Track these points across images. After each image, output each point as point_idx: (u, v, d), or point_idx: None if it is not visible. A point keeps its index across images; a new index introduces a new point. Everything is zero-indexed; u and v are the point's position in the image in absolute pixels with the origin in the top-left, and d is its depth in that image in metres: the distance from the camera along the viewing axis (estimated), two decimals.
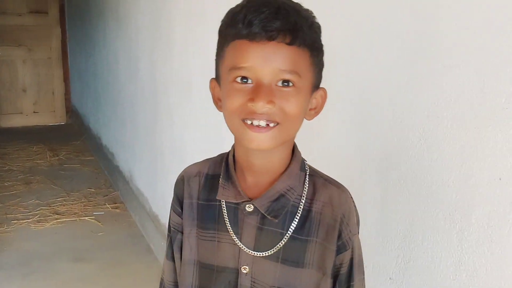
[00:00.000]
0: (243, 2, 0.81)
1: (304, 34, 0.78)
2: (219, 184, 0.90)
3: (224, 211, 0.90)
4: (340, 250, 0.88)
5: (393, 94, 1.14)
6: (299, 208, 0.87)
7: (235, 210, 0.89)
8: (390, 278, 1.19)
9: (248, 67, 0.78)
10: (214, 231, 0.91)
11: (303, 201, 0.88)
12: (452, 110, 0.99)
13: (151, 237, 3.20)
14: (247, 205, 0.87)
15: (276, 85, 0.78)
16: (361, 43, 1.23)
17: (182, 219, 0.95)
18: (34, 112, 6.70)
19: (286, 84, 0.79)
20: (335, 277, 0.89)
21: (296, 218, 0.87)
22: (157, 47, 2.91)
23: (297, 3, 0.82)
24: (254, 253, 0.88)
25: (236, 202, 0.88)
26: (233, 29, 0.79)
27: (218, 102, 0.89)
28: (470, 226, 0.97)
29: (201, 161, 0.99)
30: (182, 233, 0.95)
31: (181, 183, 0.96)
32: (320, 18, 0.84)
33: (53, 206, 3.86)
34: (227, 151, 0.95)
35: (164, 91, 2.86)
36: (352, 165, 1.28)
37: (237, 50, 0.79)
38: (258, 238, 0.88)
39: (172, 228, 0.98)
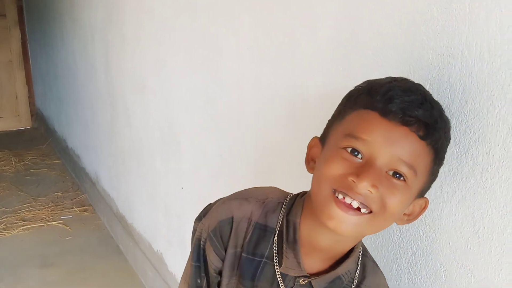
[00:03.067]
0: (389, 78, 0.75)
1: (438, 135, 0.72)
2: (284, 252, 0.81)
3: (278, 276, 0.82)
4: None
5: (330, 84, 1.15)
6: None
7: (283, 275, 0.83)
8: None
9: (367, 140, 0.70)
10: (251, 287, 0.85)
11: (354, 285, 0.85)
12: None
13: (120, 238, 3.18)
14: (302, 279, 0.82)
15: (387, 172, 0.71)
16: (293, 35, 1.23)
17: (223, 263, 0.86)
18: None
19: (397, 176, 0.71)
20: None
21: None
22: (111, 46, 2.87)
23: (439, 103, 0.77)
24: None
25: (294, 275, 0.82)
26: (368, 97, 0.72)
27: (310, 162, 0.82)
28: None
29: (251, 201, 0.85)
30: (220, 275, 0.87)
31: (228, 226, 0.84)
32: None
33: (19, 213, 3.79)
34: (283, 194, 0.87)
35: (120, 91, 2.82)
36: (295, 153, 1.29)
37: (363, 119, 0.71)
38: None
39: (213, 273, 0.87)
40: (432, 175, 0.77)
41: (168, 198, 2.32)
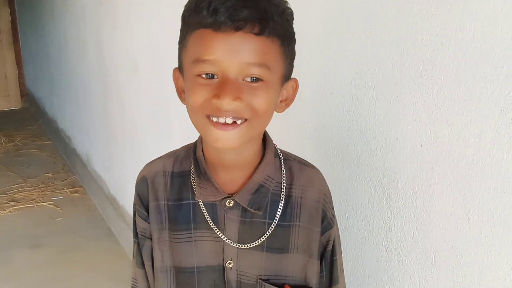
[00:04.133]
0: None
1: (274, 23, 0.72)
2: (196, 184, 0.85)
3: (202, 208, 0.85)
4: (326, 228, 0.88)
5: (322, 66, 1.14)
6: (282, 196, 0.86)
7: (213, 206, 0.85)
8: None
9: (212, 60, 0.71)
10: (190, 231, 0.86)
11: (284, 188, 0.86)
12: (376, 80, 0.99)
13: (111, 220, 3.17)
14: (227, 201, 0.83)
15: (244, 80, 0.73)
16: None
17: (149, 223, 0.89)
18: None
19: (254, 79, 0.73)
20: (322, 256, 0.89)
21: (280, 206, 0.85)
22: (103, 25, 2.83)
23: None
24: (239, 246, 0.85)
25: (215, 200, 0.84)
26: (196, 17, 0.72)
27: (182, 94, 0.83)
28: (397, 193, 0.99)
29: (162, 158, 0.91)
30: (150, 239, 0.89)
31: (143, 185, 0.89)
32: None
33: (10, 194, 3.78)
34: (190, 143, 0.90)
35: (112, 71, 2.80)
36: (289, 138, 1.28)
37: (200, 40, 0.72)
38: (241, 231, 0.85)
39: (139, 235, 0.91)
40: (288, 56, 0.78)
41: None
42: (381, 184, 1.02)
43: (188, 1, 0.76)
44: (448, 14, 0.83)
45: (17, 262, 2.80)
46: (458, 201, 0.87)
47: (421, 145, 0.92)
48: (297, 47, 1.22)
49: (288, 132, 1.29)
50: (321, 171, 1.19)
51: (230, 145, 0.75)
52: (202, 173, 0.84)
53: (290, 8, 0.77)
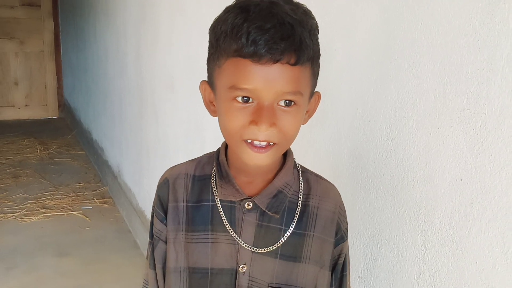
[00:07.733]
0: (243, 12, 0.74)
1: (308, 49, 0.75)
2: (217, 184, 0.88)
3: (220, 210, 0.87)
4: (338, 241, 0.90)
5: (362, 92, 1.14)
6: (299, 204, 0.88)
7: (231, 209, 0.87)
8: (359, 277, 1.19)
9: (250, 89, 0.75)
10: (207, 232, 0.88)
11: (301, 197, 0.89)
12: (416, 110, 0.99)
13: (138, 233, 3.20)
14: (246, 203, 0.86)
15: (278, 104, 0.76)
16: (329, 41, 1.22)
17: (165, 225, 0.91)
18: (26, 105, 6.67)
19: (288, 103, 0.77)
20: (332, 269, 0.91)
21: (297, 213, 0.88)
22: (143, 42, 2.90)
23: (296, 6, 0.77)
24: (254, 249, 0.86)
25: (235, 200, 0.86)
26: (233, 44, 0.74)
27: (210, 105, 0.86)
28: (433, 226, 0.97)
29: (184, 162, 0.94)
30: (165, 242, 0.92)
31: (164, 186, 0.92)
32: None
33: (41, 200, 3.85)
34: (212, 151, 0.93)
35: (149, 87, 2.85)
36: (323, 164, 1.28)
37: (238, 69, 0.75)
38: (257, 235, 0.87)
39: (154, 236, 0.93)
40: (315, 74, 0.81)
41: None
42: (417, 216, 1.00)
43: (221, 22, 0.77)
44: (496, 49, 0.82)
45: (42, 271, 2.84)
46: (497, 239, 0.84)
47: (461, 179, 0.90)
48: (337, 72, 1.22)
49: (323, 157, 1.29)
50: (354, 197, 1.18)
51: (262, 164, 0.81)
52: (224, 175, 0.87)
53: (315, 23, 0.79)
